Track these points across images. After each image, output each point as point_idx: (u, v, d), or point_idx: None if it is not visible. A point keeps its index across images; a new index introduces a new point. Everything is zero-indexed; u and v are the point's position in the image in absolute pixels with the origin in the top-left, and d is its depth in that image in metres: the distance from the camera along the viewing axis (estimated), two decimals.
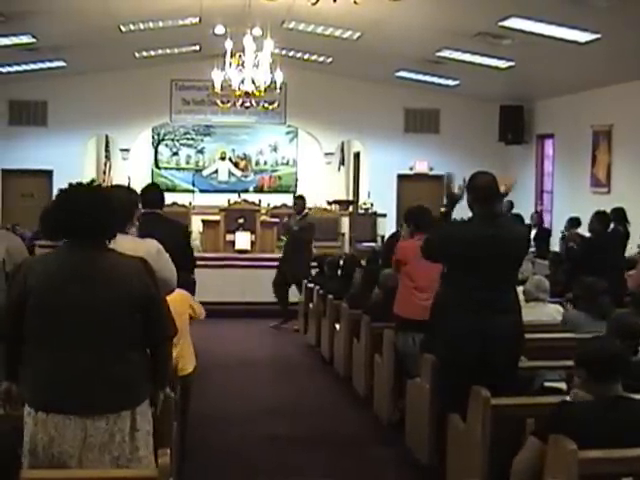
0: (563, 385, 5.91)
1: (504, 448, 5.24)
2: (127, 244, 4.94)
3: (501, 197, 6.51)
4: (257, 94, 15.28)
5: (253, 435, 8.38)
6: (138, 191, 6.19)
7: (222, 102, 16.38)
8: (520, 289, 7.98)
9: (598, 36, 13.51)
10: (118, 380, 4.23)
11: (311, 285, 13.78)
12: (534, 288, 8.68)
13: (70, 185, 4.38)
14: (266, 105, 16.58)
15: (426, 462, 6.95)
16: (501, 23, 13.78)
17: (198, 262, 8.91)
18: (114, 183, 18.94)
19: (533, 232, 17.83)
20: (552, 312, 8.45)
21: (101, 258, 4.30)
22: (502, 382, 5.76)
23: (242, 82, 15.19)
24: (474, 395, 5.60)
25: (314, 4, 7.67)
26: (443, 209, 6.57)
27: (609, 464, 4.28)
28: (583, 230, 13.26)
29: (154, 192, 8.31)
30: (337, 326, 11.13)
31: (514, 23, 13.71)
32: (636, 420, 4.49)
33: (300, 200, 14.40)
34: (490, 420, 5.44)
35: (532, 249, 14.22)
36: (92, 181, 4.72)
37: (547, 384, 5.99)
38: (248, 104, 15.78)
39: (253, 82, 15.10)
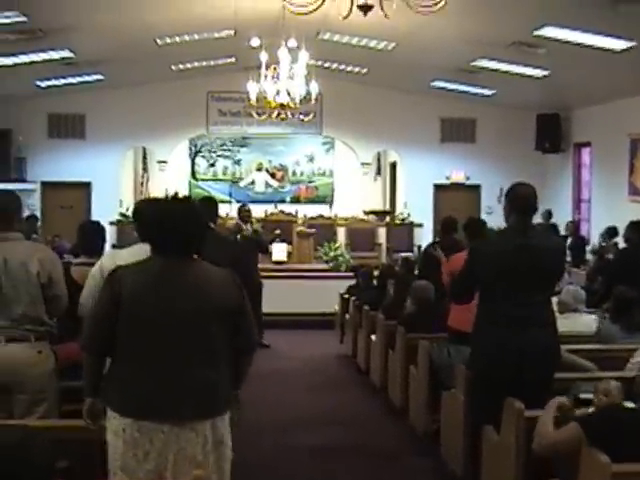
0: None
1: (538, 460, 5.25)
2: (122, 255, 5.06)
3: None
4: (292, 106, 15.34)
5: (288, 446, 8.39)
6: None
7: (258, 114, 16.46)
8: (555, 299, 7.96)
9: (634, 44, 13.45)
10: (208, 388, 4.31)
11: (347, 296, 13.81)
12: (571, 299, 8.65)
13: (163, 200, 4.52)
14: (302, 117, 16.62)
15: (461, 473, 6.94)
16: (536, 32, 13.76)
17: None
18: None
19: (568, 241, 17.79)
20: (587, 323, 8.41)
21: (190, 269, 4.39)
22: (537, 395, 5.73)
23: (277, 94, 15.25)
24: (508, 407, 5.59)
25: (345, 18, 7.69)
26: None
27: None
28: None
29: (205, 205, 8.39)
30: (373, 337, 11.15)
31: (549, 32, 13.68)
32: None
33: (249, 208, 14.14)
34: (524, 432, 5.43)
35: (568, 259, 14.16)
36: (176, 194, 4.86)
37: (582, 395, 5.96)
38: (284, 116, 15.83)
39: (288, 94, 15.16)
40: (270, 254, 16.24)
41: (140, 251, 5.22)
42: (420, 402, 8.55)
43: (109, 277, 4.43)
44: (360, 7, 7.70)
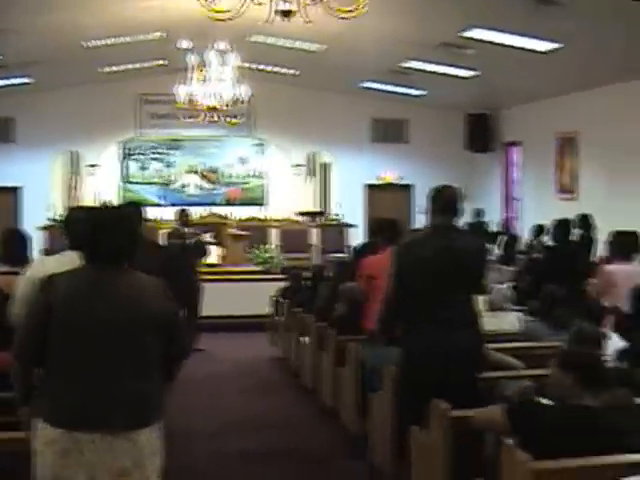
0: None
1: (466, 459, 5.32)
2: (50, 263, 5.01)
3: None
4: (222, 108, 15.31)
5: (220, 451, 8.38)
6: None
7: (189, 116, 16.40)
8: (484, 298, 8.05)
9: (560, 45, 13.66)
10: (141, 398, 4.27)
11: (279, 298, 13.83)
12: (499, 297, 8.75)
13: (96, 208, 4.48)
14: (231, 120, 16.62)
15: (391, 474, 6.98)
16: (463, 33, 13.90)
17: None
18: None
19: (501, 239, 17.96)
20: (514, 321, 8.52)
21: (123, 278, 4.37)
22: (464, 395, 5.78)
23: (207, 96, 15.22)
24: (434, 408, 5.64)
25: (265, 22, 7.75)
26: None
27: (562, 474, 4.33)
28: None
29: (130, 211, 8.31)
30: (304, 339, 11.16)
31: (476, 33, 13.84)
32: (596, 430, 4.55)
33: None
34: (451, 432, 5.48)
35: (493, 257, 14.31)
36: (108, 202, 4.86)
37: (508, 393, 6.02)
38: (214, 118, 15.81)
39: (218, 96, 15.13)
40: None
41: (69, 259, 5.18)
42: (350, 404, 8.59)
43: (42, 284, 4.38)
44: (280, 12, 7.72)
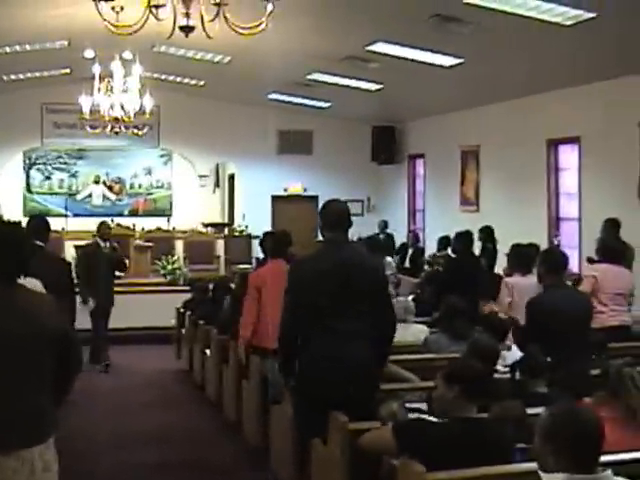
0: (423, 406, 6.02)
1: (364, 471, 5.37)
2: None
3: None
4: (126, 120, 15.21)
5: (124, 463, 8.35)
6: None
7: (92, 127, 16.25)
8: None
9: (462, 60, 13.87)
10: (36, 414, 4.20)
11: (183, 310, 13.78)
12: (401, 310, 8.82)
13: None
14: (135, 131, 16.51)
15: None
16: (368, 48, 14.02)
17: None
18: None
19: (409, 252, 18.20)
20: (416, 332, 8.60)
21: (15, 293, 4.29)
22: (360, 406, 5.81)
23: (111, 107, 15.09)
24: (332, 421, 5.69)
25: (169, 38, 7.78)
26: None
27: None
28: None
29: (34, 225, 8.18)
30: (208, 352, 11.14)
31: (380, 48, 13.97)
32: (482, 442, 4.64)
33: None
34: (349, 444, 5.53)
35: (394, 270, 14.45)
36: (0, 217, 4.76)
37: (407, 405, 6.08)
38: (118, 129, 15.70)
39: (122, 107, 15.02)
40: None
41: None
42: (252, 416, 8.61)
43: None
44: (181, 28, 7.76)
